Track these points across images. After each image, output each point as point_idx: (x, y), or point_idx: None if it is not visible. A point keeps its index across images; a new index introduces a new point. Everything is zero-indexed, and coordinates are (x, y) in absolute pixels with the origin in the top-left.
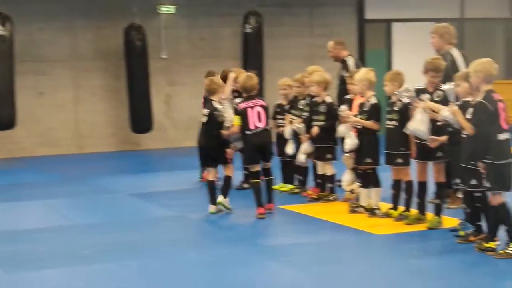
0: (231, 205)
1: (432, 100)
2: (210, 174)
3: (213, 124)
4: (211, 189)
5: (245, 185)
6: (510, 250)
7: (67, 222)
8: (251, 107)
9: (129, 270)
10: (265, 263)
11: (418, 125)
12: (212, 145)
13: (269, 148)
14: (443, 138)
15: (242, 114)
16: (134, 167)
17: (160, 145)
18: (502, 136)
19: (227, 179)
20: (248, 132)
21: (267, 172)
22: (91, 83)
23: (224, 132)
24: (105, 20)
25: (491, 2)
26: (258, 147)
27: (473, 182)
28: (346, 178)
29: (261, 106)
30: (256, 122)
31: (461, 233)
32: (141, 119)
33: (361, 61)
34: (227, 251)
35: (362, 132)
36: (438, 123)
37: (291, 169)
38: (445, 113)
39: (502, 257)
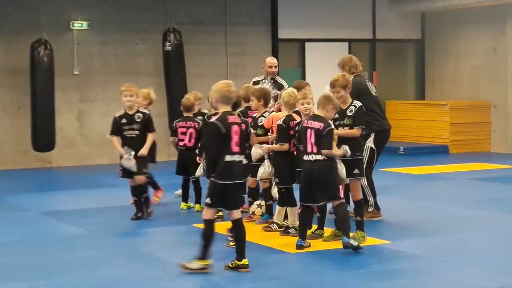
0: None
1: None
2: None
3: None
4: None
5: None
6: (191, 264)
7: None
8: None
9: None
10: (178, 282)
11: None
12: None
13: None
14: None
15: None
16: (45, 185)
17: (72, 163)
18: (230, 158)
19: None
20: None
21: None
22: (1, 99)
23: None
24: (16, 35)
25: (403, 24)
26: None
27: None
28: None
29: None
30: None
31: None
32: (43, 136)
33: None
34: (139, 270)
35: (275, 154)
36: None
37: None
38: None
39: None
